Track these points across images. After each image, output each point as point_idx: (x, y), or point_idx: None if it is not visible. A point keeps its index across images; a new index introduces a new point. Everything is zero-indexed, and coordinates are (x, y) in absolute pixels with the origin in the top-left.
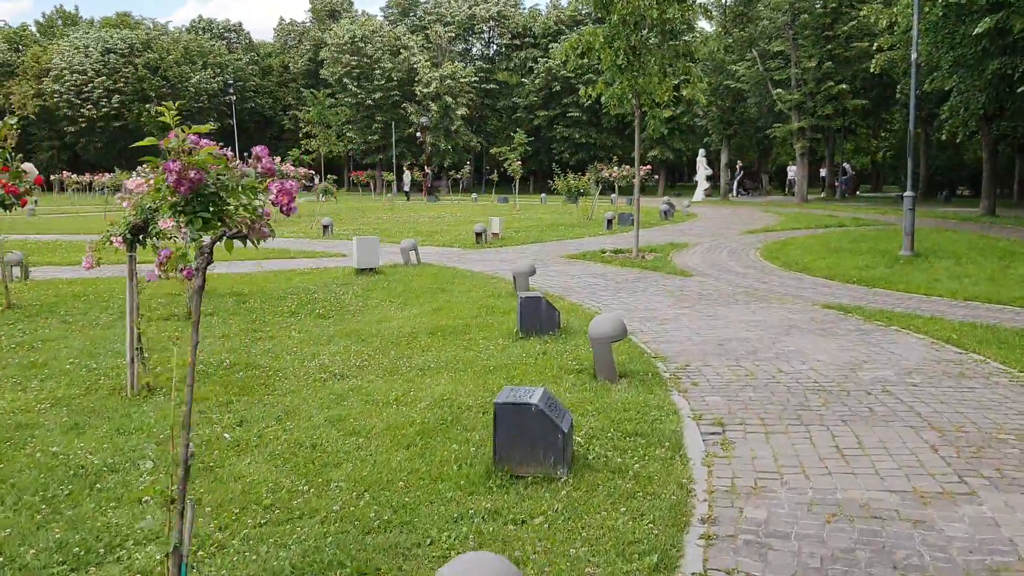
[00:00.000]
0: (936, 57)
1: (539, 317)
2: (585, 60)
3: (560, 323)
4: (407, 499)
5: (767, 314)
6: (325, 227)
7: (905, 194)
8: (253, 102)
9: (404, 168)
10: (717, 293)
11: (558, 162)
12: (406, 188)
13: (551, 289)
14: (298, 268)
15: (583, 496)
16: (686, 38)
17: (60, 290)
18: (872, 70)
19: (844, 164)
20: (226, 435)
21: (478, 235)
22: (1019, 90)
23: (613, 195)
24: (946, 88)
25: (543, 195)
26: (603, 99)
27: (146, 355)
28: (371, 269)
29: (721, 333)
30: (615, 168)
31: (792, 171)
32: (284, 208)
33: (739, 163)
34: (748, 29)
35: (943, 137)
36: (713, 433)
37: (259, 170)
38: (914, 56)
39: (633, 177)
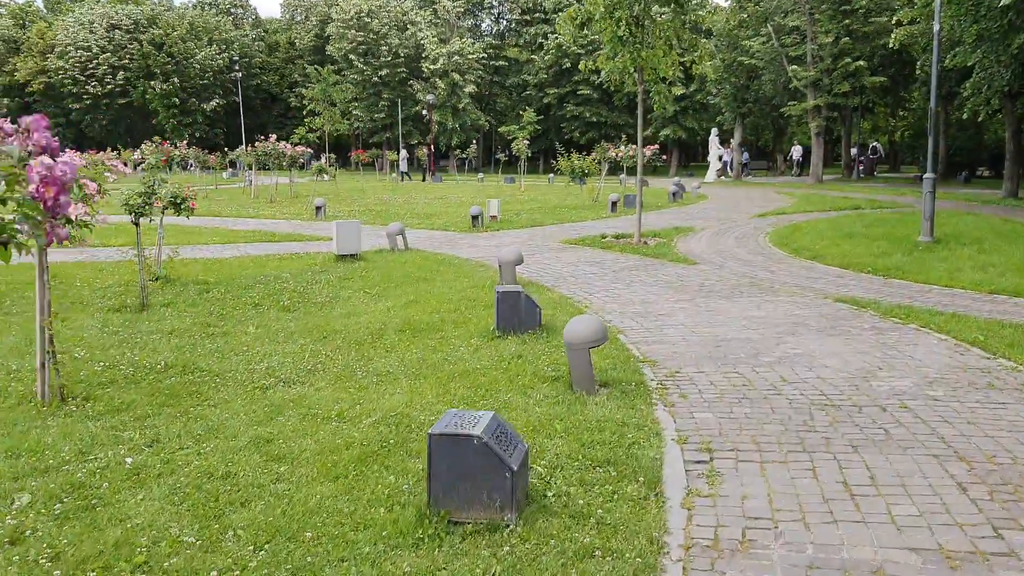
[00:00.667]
0: (959, 31)
1: (518, 313)
2: (586, 33)
3: (541, 320)
4: (311, 558)
5: (772, 309)
6: (318, 208)
7: (925, 176)
8: (259, 79)
9: (402, 147)
10: (720, 284)
11: (568, 141)
12: (403, 168)
13: (542, 279)
14: (278, 253)
15: (529, 553)
16: (695, 7)
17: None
18: (891, 45)
19: (874, 143)
20: (128, 459)
21: (474, 218)
22: None
23: (622, 175)
24: (968, 64)
25: (550, 175)
26: (603, 74)
27: (59, 358)
28: (352, 255)
29: (720, 331)
30: (622, 148)
31: (796, 151)
32: (50, 205)
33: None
34: (763, 3)
35: (964, 116)
36: (699, 462)
37: (28, 148)
38: (936, 28)
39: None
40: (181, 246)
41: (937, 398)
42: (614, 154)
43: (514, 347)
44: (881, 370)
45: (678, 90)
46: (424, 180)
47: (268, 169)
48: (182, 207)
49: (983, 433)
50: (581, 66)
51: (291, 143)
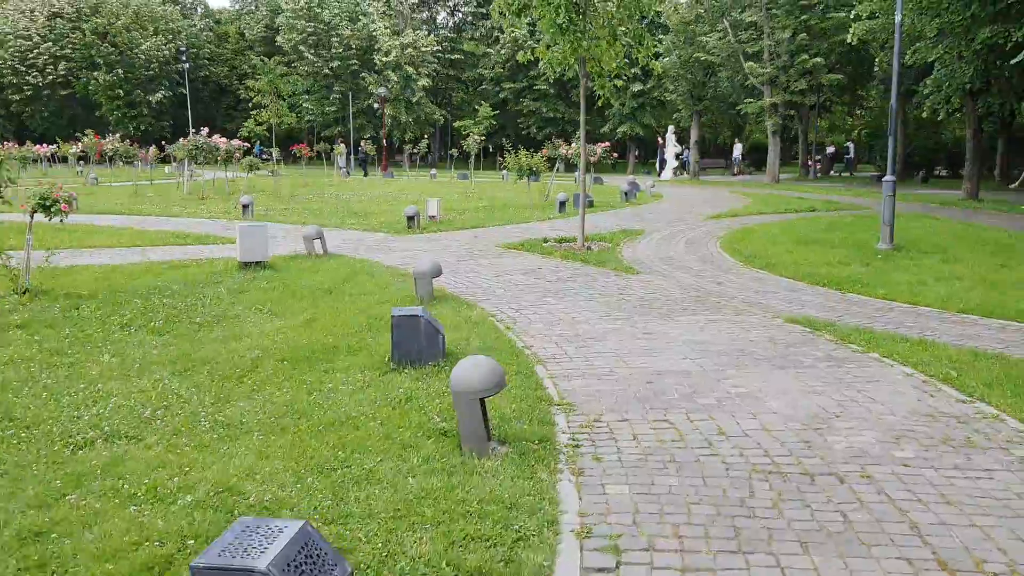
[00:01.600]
0: (920, 25)
1: (417, 341)
2: (528, 20)
3: (445, 348)
4: None
5: (717, 331)
6: (245, 207)
7: (885, 178)
8: (208, 70)
9: (339, 142)
10: (663, 299)
11: (525, 137)
12: (341, 164)
13: (467, 291)
14: (178, 259)
15: None
16: None
17: None
18: (849, 40)
19: (849, 143)
20: None
21: (410, 219)
22: (1012, 61)
23: (576, 173)
24: (930, 60)
25: (504, 172)
26: (541, 64)
27: None
28: (259, 263)
29: (655, 362)
30: (574, 144)
31: (737, 149)
32: None
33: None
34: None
35: (924, 114)
36: (601, 570)
37: None
38: (898, 19)
39: (591, 155)
40: (77, 250)
41: (907, 462)
42: (565, 151)
43: (407, 384)
44: (838, 418)
45: (635, 86)
46: (365, 176)
47: (217, 163)
48: (52, 210)
49: (967, 519)
50: (520, 56)
51: (240, 136)
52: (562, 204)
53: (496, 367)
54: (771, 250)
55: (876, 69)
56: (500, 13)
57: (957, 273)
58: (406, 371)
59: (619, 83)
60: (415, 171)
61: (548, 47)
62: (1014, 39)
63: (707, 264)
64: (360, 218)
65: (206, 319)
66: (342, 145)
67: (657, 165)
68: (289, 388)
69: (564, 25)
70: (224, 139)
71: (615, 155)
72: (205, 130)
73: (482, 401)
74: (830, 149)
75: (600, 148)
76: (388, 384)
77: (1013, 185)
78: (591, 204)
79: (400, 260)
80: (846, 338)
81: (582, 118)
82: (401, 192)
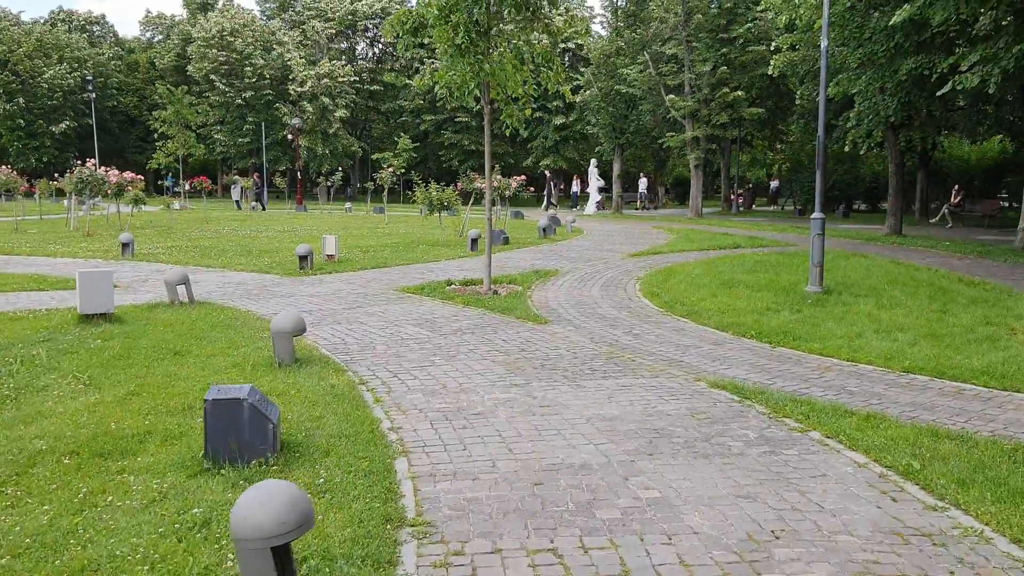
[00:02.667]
0: (842, 56)
1: (239, 432)
2: (418, 39)
3: (276, 441)
4: None
5: (629, 401)
6: (124, 246)
7: (812, 216)
8: (116, 100)
9: (234, 174)
10: (570, 356)
11: (446, 170)
12: (235, 197)
13: (341, 348)
14: (17, 309)
15: None
16: (549, 16)
17: None
18: (770, 73)
19: (774, 181)
20: None
21: (302, 259)
22: (938, 93)
23: (497, 207)
24: (851, 92)
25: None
26: (437, 90)
27: None
28: (103, 315)
29: (549, 450)
30: (497, 178)
31: (642, 184)
32: None
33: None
34: (640, 31)
35: (845, 148)
36: None
37: None
38: (824, 44)
39: (505, 189)
40: None
41: None
42: (480, 185)
43: (214, 497)
44: (778, 540)
45: (558, 119)
46: (264, 209)
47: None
48: None
49: None
50: (416, 81)
51: (149, 168)
52: (474, 242)
53: (297, 498)
54: (693, 294)
55: (797, 103)
56: (395, 34)
57: (897, 322)
58: (223, 472)
59: (529, 111)
60: (331, 204)
61: (448, 71)
62: (938, 70)
63: (624, 311)
64: (252, 257)
65: (10, 392)
66: (237, 176)
67: (554, 199)
68: (57, 502)
69: (464, 45)
70: (117, 171)
71: (531, 189)
72: (92, 161)
73: (283, 547)
74: (774, 183)
75: (515, 182)
76: (190, 496)
77: (934, 220)
78: (506, 241)
79: (278, 309)
80: (780, 410)
81: (487, 148)
82: (308, 227)
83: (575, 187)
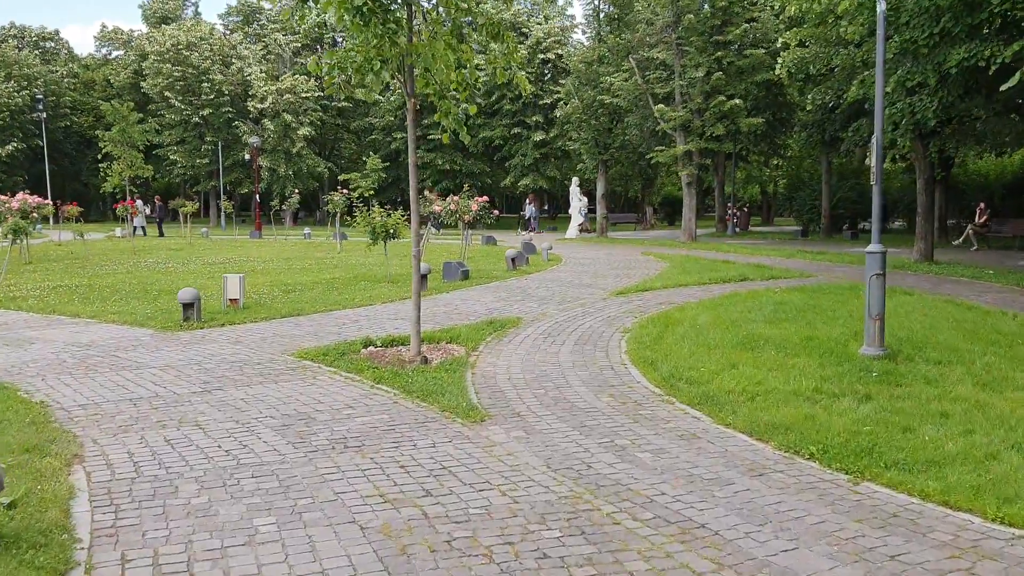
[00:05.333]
0: (867, 49)
1: None
2: (314, 10)
3: None
4: None
5: None
6: None
7: (869, 249)
8: (70, 119)
9: (136, 197)
10: (506, 511)
11: (419, 191)
12: (137, 223)
13: (113, 495)
14: None
15: None
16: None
17: None
18: (777, 73)
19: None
20: None
21: (186, 307)
22: (1002, 87)
23: (467, 232)
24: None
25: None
26: (324, 72)
27: None
28: None
29: None
30: (454, 198)
31: (529, 210)
32: None
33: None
34: (625, 36)
35: (855, 164)
36: None
37: None
38: (881, 8)
39: (464, 213)
40: None
41: None
42: (438, 208)
43: None
44: None
45: (538, 135)
46: (161, 235)
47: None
48: None
49: None
50: (310, 65)
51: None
52: (424, 278)
53: None
54: (703, 361)
55: (808, 108)
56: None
57: (1017, 413)
58: None
59: (473, 108)
60: (293, 230)
61: (349, 49)
62: (998, 60)
63: (604, 393)
64: (143, 301)
65: None
66: (139, 201)
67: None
68: None
69: (366, 7)
70: (25, 196)
71: (496, 212)
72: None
73: None
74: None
75: (476, 203)
76: None
77: (957, 242)
78: (465, 276)
79: (98, 392)
80: None
81: (411, 156)
82: (246, 259)
83: (528, 210)
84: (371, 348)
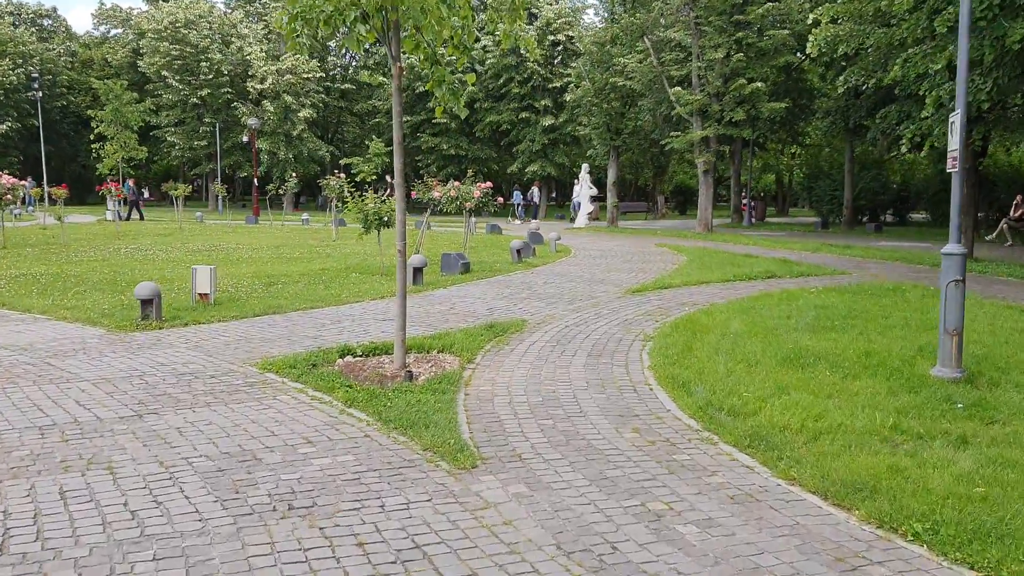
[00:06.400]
0: (912, 23)
1: None
2: None
3: None
4: None
5: None
6: None
7: (946, 249)
8: (67, 99)
9: (108, 182)
10: None
11: (421, 177)
12: (111, 207)
13: None
14: None
15: None
16: None
17: None
18: (808, 51)
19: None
20: None
21: (144, 304)
22: None
23: (472, 220)
24: (933, 69)
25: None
26: (284, 26)
27: None
28: None
29: None
30: (454, 184)
31: (533, 193)
32: None
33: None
34: (639, 15)
35: (903, 149)
36: None
37: None
38: None
39: (466, 200)
40: None
41: None
42: (438, 194)
43: None
44: None
45: (546, 119)
46: (141, 219)
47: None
48: None
49: None
50: (275, 22)
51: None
52: (418, 271)
53: None
54: (745, 383)
55: (836, 93)
56: None
57: None
58: None
59: (471, 79)
60: (294, 215)
61: None
62: None
63: (626, 427)
64: (106, 294)
65: None
66: (111, 186)
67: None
68: None
69: None
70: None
71: (500, 199)
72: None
73: None
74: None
75: (479, 189)
76: None
77: (990, 237)
78: (465, 269)
79: (13, 412)
80: None
81: (396, 134)
82: (234, 246)
83: (533, 196)
84: (349, 358)
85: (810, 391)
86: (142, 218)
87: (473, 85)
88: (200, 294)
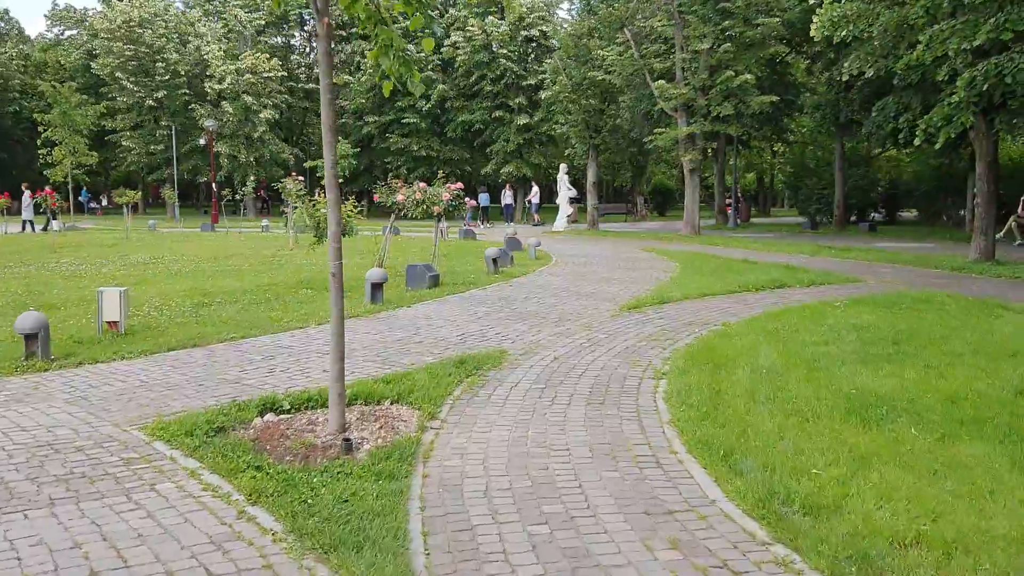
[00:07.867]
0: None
1: None
2: None
3: None
4: None
5: None
6: None
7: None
8: (19, 104)
9: (24, 188)
10: None
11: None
12: (27, 217)
13: None
14: None
15: None
16: None
17: None
18: (812, 35)
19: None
20: None
21: (28, 338)
22: None
23: (442, 225)
24: (944, 53)
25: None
26: None
27: None
28: None
29: None
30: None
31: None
32: None
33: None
34: (618, 5)
35: (916, 142)
36: None
37: None
38: None
39: (433, 203)
40: None
41: None
42: (402, 197)
43: None
44: None
45: (521, 118)
46: (45, 230)
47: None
48: None
49: None
50: None
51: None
52: (375, 289)
53: None
54: (808, 450)
55: (842, 79)
56: None
57: None
58: None
59: (429, 45)
60: (251, 222)
61: None
62: None
63: (656, 534)
64: (6, 323)
65: None
66: (27, 192)
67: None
68: None
69: None
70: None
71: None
72: None
73: None
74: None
75: (448, 191)
76: None
77: (999, 235)
78: (434, 283)
79: None
80: None
81: (324, 110)
82: (177, 257)
83: (507, 198)
84: (270, 416)
85: (902, 464)
86: (46, 228)
87: (444, 84)
88: (108, 322)
